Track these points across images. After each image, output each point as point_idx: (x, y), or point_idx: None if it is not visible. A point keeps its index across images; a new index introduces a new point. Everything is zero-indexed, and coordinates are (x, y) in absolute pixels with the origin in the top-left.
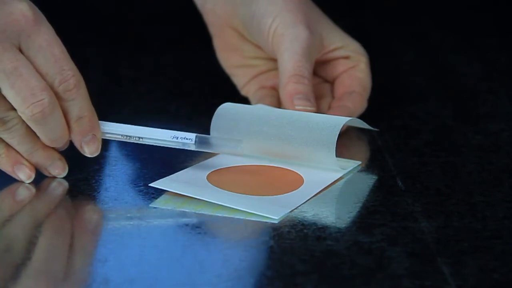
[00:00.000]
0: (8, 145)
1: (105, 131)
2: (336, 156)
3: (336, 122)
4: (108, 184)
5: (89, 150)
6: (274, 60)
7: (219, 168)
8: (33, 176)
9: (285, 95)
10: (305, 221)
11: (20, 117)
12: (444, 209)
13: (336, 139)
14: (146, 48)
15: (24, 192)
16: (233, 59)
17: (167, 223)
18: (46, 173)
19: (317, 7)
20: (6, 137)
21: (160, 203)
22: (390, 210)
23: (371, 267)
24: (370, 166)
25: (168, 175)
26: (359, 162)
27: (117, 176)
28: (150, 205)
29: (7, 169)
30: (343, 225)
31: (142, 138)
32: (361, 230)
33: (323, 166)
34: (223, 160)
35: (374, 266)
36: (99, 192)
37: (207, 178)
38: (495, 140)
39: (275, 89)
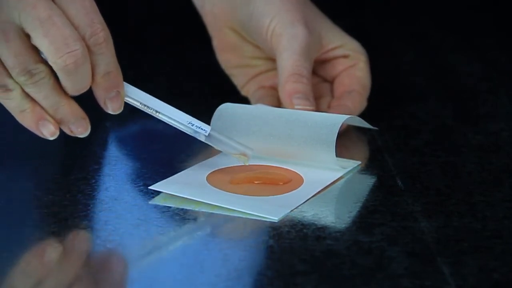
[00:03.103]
0: (33, 100)
1: (127, 94)
2: (336, 156)
3: (336, 120)
4: (108, 184)
5: (112, 107)
6: (273, 60)
7: (218, 168)
8: (57, 133)
9: (284, 94)
10: (305, 221)
11: (48, 70)
12: (444, 209)
13: (336, 137)
14: (146, 48)
15: (50, 253)
16: (232, 59)
17: (167, 223)
18: (67, 131)
19: (315, 6)
20: (32, 90)
21: (159, 200)
22: (390, 210)
23: (371, 267)
24: (370, 166)
25: (168, 175)
26: (359, 162)
27: (117, 176)
28: (150, 202)
29: (31, 125)
30: (343, 225)
31: (159, 112)
32: (361, 230)
33: (323, 165)
34: (223, 160)
35: (374, 266)
36: (99, 192)
37: (206, 179)
38: (495, 140)
39: (274, 89)
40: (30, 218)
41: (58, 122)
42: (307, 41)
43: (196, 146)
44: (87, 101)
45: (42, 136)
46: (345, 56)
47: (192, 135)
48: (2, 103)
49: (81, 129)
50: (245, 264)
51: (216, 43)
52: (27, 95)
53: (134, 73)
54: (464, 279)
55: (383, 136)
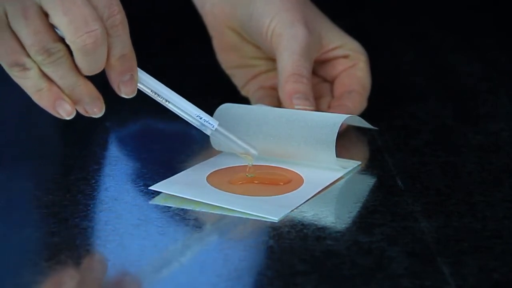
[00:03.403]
0: (50, 80)
1: (139, 80)
2: (336, 156)
3: (336, 120)
4: (108, 184)
5: (125, 91)
6: (273, 60)
7: (218, 168)
8: (73, 113)
9: (284, 94)
10: (305, 221)
11: (66, 49)
12: (444, 209)
13: (336, 137)
14: (146, 48)
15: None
16: (232, 59)
17: (167, 223)
18: (82, 112)
19: (315, 6)
20: (50, 70)
21: (160, 200)
22: (390, 210)
23: (371, 267)
24: (370, 166)
25: (168, 175)
26: (359, 162)
27: (117, 176)
28: (150, 202)
29: (48, 105)
30: (343, 225)
31: (169, 102)
32: (361, 230)
33: (323, 164)
34: (223, 160)
35: (374, 266)
36: (99, 192)
37: (206, 179)
38: (495, 140)
39: (274, 89)
40: (30, 218)
41: (74, 102)
42: (307, 41)
43: (196, 146)
44: None
45: (58, 116)
46: (345, 56)
47: (199, 128)
48: (18, 82)
49: (96, 109)
50: (245, 264)
51: (216, 43)
52: (44, 75)
53: None
54: (464, 279)
55: (383, 136)
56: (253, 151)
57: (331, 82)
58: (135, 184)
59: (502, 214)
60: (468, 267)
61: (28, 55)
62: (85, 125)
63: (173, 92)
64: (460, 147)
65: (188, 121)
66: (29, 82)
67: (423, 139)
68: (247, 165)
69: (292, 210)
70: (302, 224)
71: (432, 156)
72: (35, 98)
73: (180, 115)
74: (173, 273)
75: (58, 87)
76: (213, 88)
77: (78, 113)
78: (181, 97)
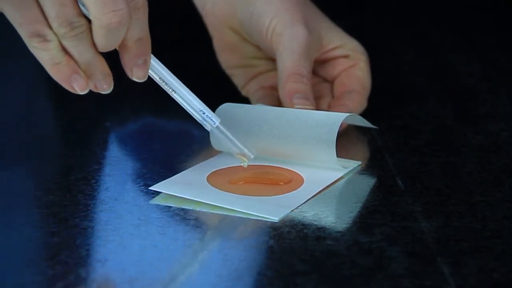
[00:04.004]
0: (68, 54)
1: (151, 65)
2: (337, 156)
3: (336, 118)
4: (108, 184)
5: (137, 75)
6: (273, 60)
7: (218, 168)
8: (87, 88)
9: (284, 94)
10: (305, 221)
11: (88, 25)
12: (444, 209)
13: (336, 136)
14: None
15: None
16: (232, 59)
17: (167, 223)
18: (92, 88)
19: (315, 6)
20: (70, 44)
21: (160, 200)
22: (390, 210)
23: (371, 267)
24: (370, 166)
25: (168, 175)
26: (359, 162)
27: (117, 176)
28: (150, 202)
29: (64, 79)
30: (343, 225)
31: (175, 92)
32: (361, 230)
33: (323, 164)
34: (223, 160)
35: (374, 266)
36: (99, 192)
37: (207, 179)
38: (495, 140)
39: (275, 89)
40: (30, 218)
41: (88, 77)
42: (307, 41)
43: (196, 146)
44: (87, 101)
45: (72, 91)
46: (345, 56)
47: (200, 122)
48: (36, 54)
49: (106, 86)
50: (245, 264)
51: (216, 43)
52: (63, 48)
53: None
54: (464, 279)
55: (383, 136)
56: (249, 153)
57: (331, 82)
58: (135, 184)
59: (502, 214)
60: (468, 267)
61: (50, 27)
62: (85, 125)
63: (181, 83)
64: (460, 147)
65: (191, 114)
66: (47, 54)
67: (423, 139)
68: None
69: (292, 210)
70: (302, 224)
71: (432, 156)
72: (52, 71)
73: (184, 107)
74: (173, 273)
75: (75, 61)
76: (213, 88)
77: (78, 113)
78: (188, 90)
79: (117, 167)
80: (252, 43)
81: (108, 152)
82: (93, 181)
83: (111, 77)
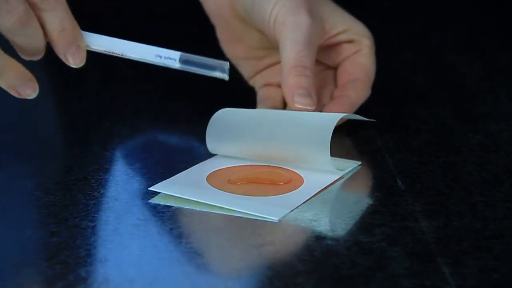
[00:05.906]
0: None
1: (90, 44)
2: (335, 156)
3: (329, 122)
4: (108, 184)
5: (75, 61)
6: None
7: (218, 169)
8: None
9: (286, 88)
10: (305, 221)
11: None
12: (444, 209)
13: (329, 141)
14: None
15: None
16: (238, 50)
17: (167, 223)
18: (16, 95)
19: None
20: None
21: (159, 200)
22: (390, 210)
23: (371, 267)
24: (370, 166)
25: (168, 175)
26: (359, 163)
27: (117, 176)
28: (150, 201)
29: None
30: (343, 225)
31: (124, 54)
32: (361, 230)
33: (320, 167)
34: (223, 160)
35: (374, 266)
36: (99, 192)
37: (206, 180)
38: (495, 140)
39: (280, 87)
40: (30, 218)
41: (5, 88)
42: (310, 30)
43: (196, 146)
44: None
45: None
46: (350, 41)
47: (166, 65)
48: None
49: (29, 91)
50: (245, 264)
51: (219, 33)
52: None
53: (133, 73)
54: (464, 279)
55: (383, 136)
56: (225, 66)
57: (334, 68)
58: (135, 184)
59: (502, 214)
60: (468, 267)
61: None
62: (85, 125)
63: (126, 42)
64: (460, 147)
65: (152, 63)
66: None
67: (423, 139)
68: (246, 165)
69: (292, 210)
70: (302, 224)
71: (432, 156)
72: None
73: (142, 61)
74: (173, 273)
75: None
76: (213, 88)
77: (78, 113)
78: (136, 44)
79: (117, 167)
80: (257, 31)
81: (108, 152)
82: (93, 181)
83: (34, 81)
